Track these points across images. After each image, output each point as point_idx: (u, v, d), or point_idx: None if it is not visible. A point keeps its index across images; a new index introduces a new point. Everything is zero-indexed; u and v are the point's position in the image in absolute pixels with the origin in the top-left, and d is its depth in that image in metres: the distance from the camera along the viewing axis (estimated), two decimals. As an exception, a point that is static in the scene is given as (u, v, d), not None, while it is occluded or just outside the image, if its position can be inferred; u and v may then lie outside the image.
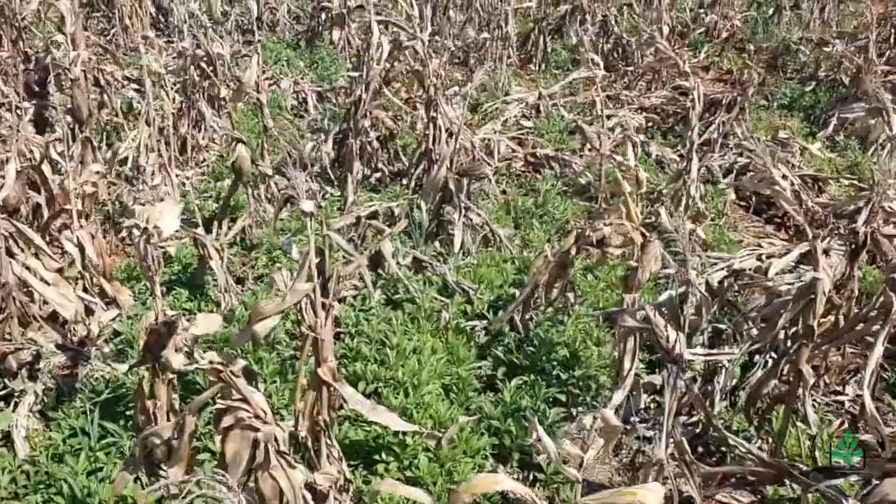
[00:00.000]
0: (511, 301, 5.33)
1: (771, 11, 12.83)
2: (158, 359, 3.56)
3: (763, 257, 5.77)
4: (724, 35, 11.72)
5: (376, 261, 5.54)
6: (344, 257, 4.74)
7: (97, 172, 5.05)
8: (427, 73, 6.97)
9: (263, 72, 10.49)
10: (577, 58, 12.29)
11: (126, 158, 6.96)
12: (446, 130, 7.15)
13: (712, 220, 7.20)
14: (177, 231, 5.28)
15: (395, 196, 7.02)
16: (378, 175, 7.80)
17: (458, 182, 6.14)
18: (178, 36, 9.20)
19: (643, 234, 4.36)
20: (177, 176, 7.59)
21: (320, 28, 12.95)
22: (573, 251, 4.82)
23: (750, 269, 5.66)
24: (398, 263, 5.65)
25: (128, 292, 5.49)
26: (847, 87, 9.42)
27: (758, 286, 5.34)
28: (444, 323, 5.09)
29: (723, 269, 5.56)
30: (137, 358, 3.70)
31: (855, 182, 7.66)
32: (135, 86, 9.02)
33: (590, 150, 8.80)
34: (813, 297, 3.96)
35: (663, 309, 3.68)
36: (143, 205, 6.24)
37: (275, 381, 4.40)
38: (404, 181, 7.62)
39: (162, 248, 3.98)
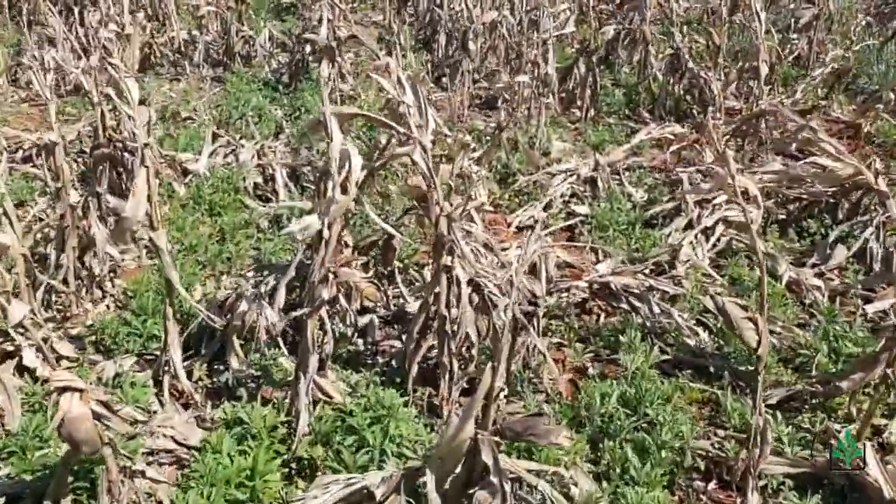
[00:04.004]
0: None
1: (883, 41, 9.32)
2: None
3: None
4: (829, 70, 8.41)
5: None
6: None
7: None
8: (433, 196, 3.83)
9: (215, 138, 7.39)
10: (633, 101, 9.07)
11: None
12: (469, 284, 4.02)
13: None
14: None
15: (381, 408, 3.84)
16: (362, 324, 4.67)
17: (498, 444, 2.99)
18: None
19: None
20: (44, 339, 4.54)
21: (306, 61, 9.80)
22: None
23: None
24: None
25: None
26: None
27: None
28: None
29: None
30: None
31: None
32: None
33: (685, 262, 5.63)
34: None
35: None
36: None
37: None
38: (398, 353, 4.49)
39: None
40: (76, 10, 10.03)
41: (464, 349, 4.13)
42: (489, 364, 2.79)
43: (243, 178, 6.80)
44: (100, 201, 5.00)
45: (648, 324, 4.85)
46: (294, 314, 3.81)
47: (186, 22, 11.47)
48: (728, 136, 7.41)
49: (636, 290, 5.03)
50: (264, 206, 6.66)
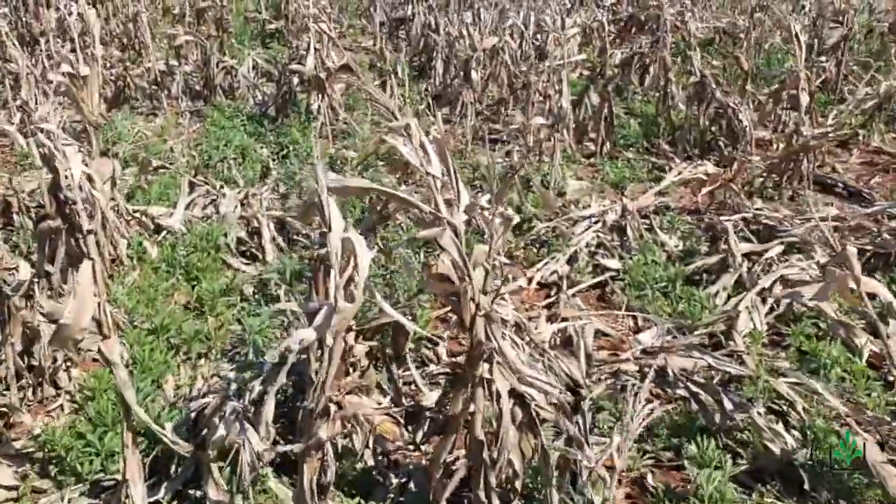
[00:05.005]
0: None
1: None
2: None
3: None
4: (870, 96, 7.60)
5: None
6: None
7: None
8: (467, 291, 2.91)
9: (192, 187, 6.46)
10: (651, 133, 8.21)
11: None
12: (511, 395, 3.10)
13: None
14: None
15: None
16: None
17: None
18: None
19: None
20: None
21: (293, 92, 8.88)
22: None
23: None
24: None
25: None
26: None
27: None
28: None
29: None
30: None
31: None
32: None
33: (745, 337, 4.74)
34: None
35: None
36: None
37: None
38: (416, 470, 3.56)
39: None
40: (42, 41, 9.14)
41: (505, 477, 3.20)
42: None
43: (224, 234, 5.86)
44: (50, 281, 4.04)
45: (717, 419, 3.94)
46: (282, 449, 2.87)
47: (164, 52, 10.54)
48: (765, 173, 6.56)
49: (698, 377, 4.12)
50: (249, 264, 5.74)
